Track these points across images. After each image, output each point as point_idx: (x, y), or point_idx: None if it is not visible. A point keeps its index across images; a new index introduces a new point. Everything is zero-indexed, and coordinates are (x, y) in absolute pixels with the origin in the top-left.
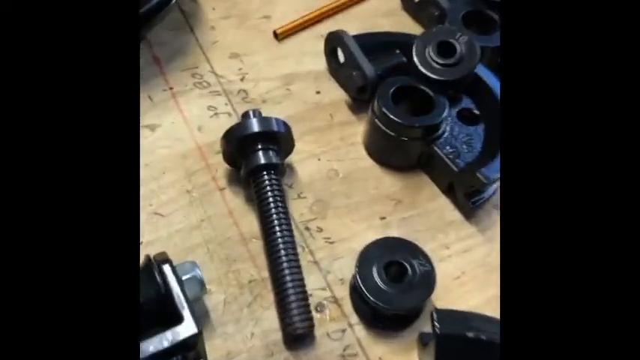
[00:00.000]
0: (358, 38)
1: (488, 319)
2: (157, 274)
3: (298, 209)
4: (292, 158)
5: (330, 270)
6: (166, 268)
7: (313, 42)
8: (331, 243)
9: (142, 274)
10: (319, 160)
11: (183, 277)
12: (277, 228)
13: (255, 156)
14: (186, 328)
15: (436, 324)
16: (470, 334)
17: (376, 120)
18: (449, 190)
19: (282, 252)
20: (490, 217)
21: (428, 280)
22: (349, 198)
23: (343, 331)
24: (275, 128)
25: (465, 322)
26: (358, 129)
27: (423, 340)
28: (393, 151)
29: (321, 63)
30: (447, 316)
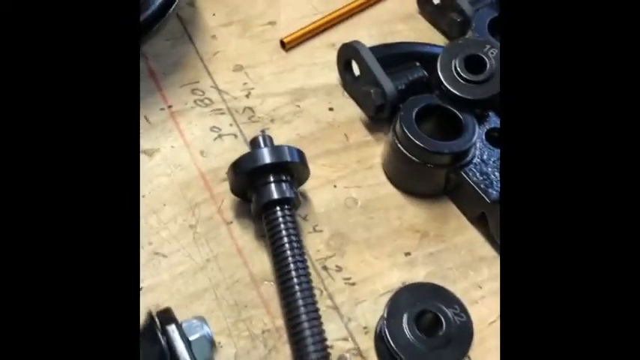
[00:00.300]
0: (375, 50)
1: None
2: (160, 336)
3: (314, 245)
4: (306, 186)
5: (351, 317)
6: (171, 329)
7: (324, 51)
8: (352, 284)
9: (143, 335)
10: (335, 187)
11: (191, 338)
12: (292, 269)
13: (267, 189)
14: None
15: None
16: None
17: (398, 144)
18: (480, 222)
19: (299, 297)
20: None
21: (465, 333)
22: (370, 231)
23: None
24: (289, 158)
25: None
26: (376, 150)
27: None
28: (417, 177)
29: (333, 76)
30: None
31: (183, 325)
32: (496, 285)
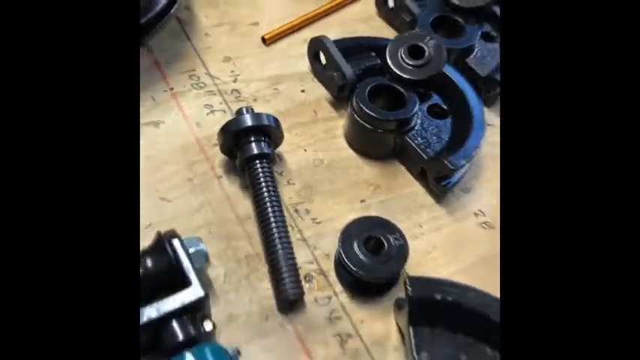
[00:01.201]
0: (338, 42)
1: (453, 284)
2: (168, 247)
3: (288, 194)
4: (282, 149)
5: (317, 246)
6: (176, 242)
7: (298, 46)
8: (318, 223)
9: (154, 248)
10: (305, 151)
11: (191, 250)
12: (269, 209)
13: (248, 147)
14: (196, 292)
15: (408, 288)
16: (437, 296)
17: (355, 115)
18: (421, 177)
19: (275, 230)
20: (458, 200)
21: (402, 253)
22: (333, 184)
23: (329, 298)
24: (266, 122)
25: (433, 287)
26: (339, 123)
27: (398, 305)
28: (370, 142)
29: (305, 65)
30: (418, 281)
31: (184, 241)
32: (433, 225)
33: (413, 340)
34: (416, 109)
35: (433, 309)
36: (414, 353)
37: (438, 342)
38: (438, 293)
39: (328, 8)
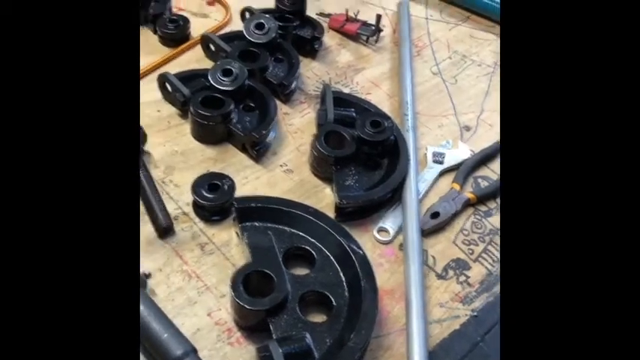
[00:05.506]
0: (177, 74)
1: (261, 196)
2: None
3: (156, 174)
4: (150, 148)
5: (179, 199)
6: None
7: (152, 83)
8: (178, 186)
9: None
10: (164, 146)
11: None
12: (144, 181)
13: None
14: None
15: (234, 203)
16: (252, 204)
17: (195, 117)
18: (244, 149)
19: (148, 190)
20: (269, 159)
21: (232, 191)
22: (186, 163)
23: (191, 226)
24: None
25: (249, 199)
26: (187, 127)
27: (233, 218)
28: (207, 133)
29: (158, 94)
30: (240, 198)
31: None
32: (254, 177)
33: (240, 231)
34: (231, 107)
35: (250, 211)
36: (242, 238)
37: (256, 229)
38: (252, 202)
39: (169, 56)
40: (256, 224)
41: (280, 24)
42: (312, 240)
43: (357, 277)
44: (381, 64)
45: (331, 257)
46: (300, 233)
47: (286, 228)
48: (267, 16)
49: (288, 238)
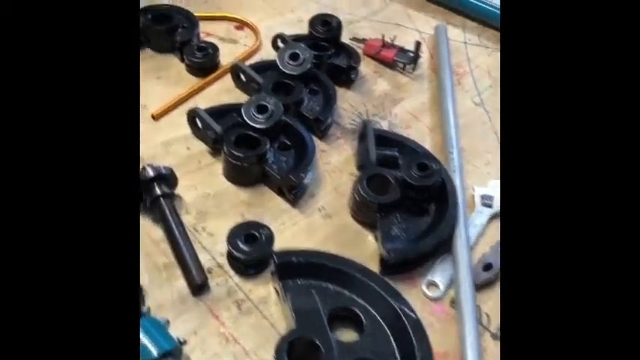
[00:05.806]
0: (208, 110)
1: (303, 250)
2: None
3: (187, 219)
4: (179, 191)
5: (213, 249)
6: None
7: (179, 117)
8: (211, 235)
9: None
10: (196, 189)
11: None
12: (175, 230)
13: (153, 191)
14: None
15: (274, 257)
16: (293, 259)
17: (228, 157)
18: (280, 192)
19: (180, 241)
20: (306, 203)
21: (270, 239)
22: (219, 207)
23: (226, 280)
24: (163, 172)
25: (290, 254)
26: (218, 166)
27: (272, 273)
28: (241, 174)
29: (187, 129)
30: (280, 253)
31: None
32: (291, 222)
33: (281, 290)
34: (267, 147)
35: (291, 267)
36: (284, 297)
37: (298, 288)
38: (294, 256)
39: (198, 88)
40: (298, 282)
41: (315, 53)
42: (359, 300)
43: (410, 346)
44: (419, 93)
45: (381, 321)
46: (346, 292)
47: (330, 285)
48: (301, 45)
49: (332, 298)
